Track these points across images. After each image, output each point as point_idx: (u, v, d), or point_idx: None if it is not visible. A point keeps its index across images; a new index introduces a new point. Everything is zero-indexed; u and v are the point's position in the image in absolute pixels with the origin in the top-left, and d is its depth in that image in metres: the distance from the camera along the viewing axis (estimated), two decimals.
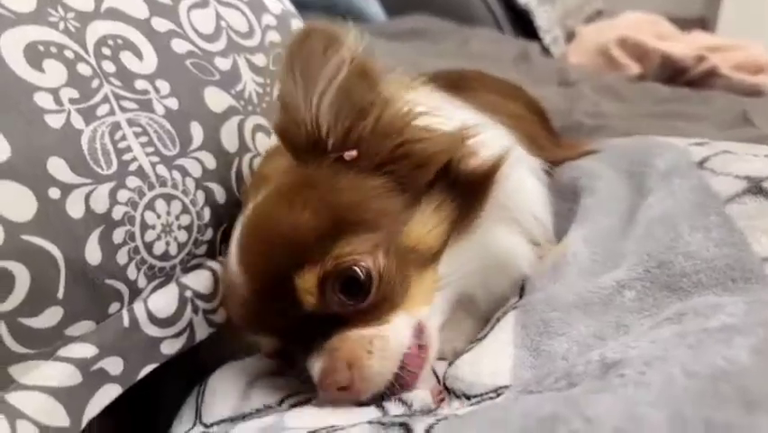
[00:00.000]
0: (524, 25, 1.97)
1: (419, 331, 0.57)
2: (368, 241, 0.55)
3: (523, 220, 0.65)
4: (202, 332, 0.65)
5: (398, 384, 0.54)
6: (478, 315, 0.67)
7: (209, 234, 0.67)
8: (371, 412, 0.54)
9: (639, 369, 0.40)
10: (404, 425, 0.43)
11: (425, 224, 0.59)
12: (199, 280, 0.65)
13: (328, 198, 0.56)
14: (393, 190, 0.58)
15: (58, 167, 0.52)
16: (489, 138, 0.64)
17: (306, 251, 0.54)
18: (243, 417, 0.58)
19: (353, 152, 0.58)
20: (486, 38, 1.70)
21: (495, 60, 1.46)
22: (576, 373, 0.47)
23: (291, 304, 0.54)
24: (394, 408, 0.54)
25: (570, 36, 2.12)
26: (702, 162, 0.69)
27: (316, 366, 0.55)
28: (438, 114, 0.63)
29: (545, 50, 1.92)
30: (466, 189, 0.60)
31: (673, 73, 1.80)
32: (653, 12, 2.22)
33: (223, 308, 0.66)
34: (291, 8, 0.87)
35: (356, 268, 0.54)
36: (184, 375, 0.70)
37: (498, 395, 0.53)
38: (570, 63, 1.87)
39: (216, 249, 0.68)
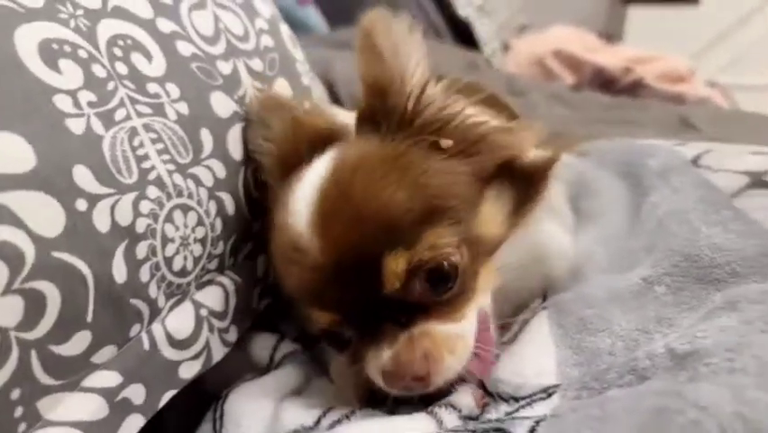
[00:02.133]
0: (463, 37, 2.01)
1: (483, 322, 0.58)
2: (455, 233, 0.54)
3: (564, 216, 0.68)
4: (218, 353, 0.61)
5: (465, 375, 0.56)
6: (497, 316, 0.67)
7: (221, 247, 0.63)
8: (425, 420, 0.52)
9: (726, 356, 0.41)
10: (500, 430, 0.42)
11: (492, 214, 0.59)
12: (212, 297, 0.62)
13: (421, 181, 0.54)
14: (470, 177, 0.58)
15: (83, 176, 0.48)
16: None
17: (399, 233, 0.52)
18: None
19: (449, 141, 0.57)
20: (433, 48, 1.72)
21: (446, 71, 1.48)
22: (642, 366, 0.47)
23: (371, 284, 0.52)
24: (446, 414, 0.53)
25: (505, 48, 2.20)
26: (696, 160, 0.73)
27: (387, 354, 0.53)
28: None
29: (487, 62, 1.98)
30: (523, 181, 0.61)
31: (604, 83, 1.89)
32: (567, 26, 2.34)
33: (275, 271, 0.62)
34: (278, 12, 0.84)
35: (446, 262, 0.53)
36: (187, 407, 0.65)
37: (549, 394, 0.53)
38: (513, 74, 1.93)
39: (225, 262, 0.65)
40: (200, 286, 0.61)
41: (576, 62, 1.93)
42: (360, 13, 0.61)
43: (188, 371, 0.58)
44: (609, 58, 1.98)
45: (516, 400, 0.54)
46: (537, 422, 0.41)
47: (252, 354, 0.70)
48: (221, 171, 0.63)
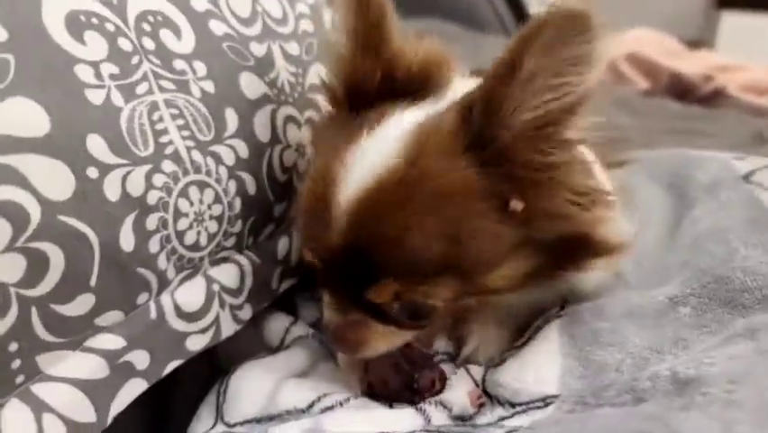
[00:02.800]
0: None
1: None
2: (455, 289, 0.52)
3: None
4: (228, 329, 0.62)
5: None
6: (512, 321, 0.65)
7: (238, 225, 0.63)
8: (411, 416, 0.52)
9: (725, 387, 0.38)
10: None
11: (510, 271, 0.53)
12: (227, 274, 0.62)
13: (463, 239, 0.50)
14: (511, 239, 0.51)
15: (97, 145, 0.49)
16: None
17: (409, 270, 0.50)
18: (271, 418, 0.56)
19: (520, 205, 0.50)
20: (498, 46, 1.68)
21: None
22: (642, 387, 0.45)
23: (360, 281, 0.52)
24: (435, 412, 0.52)
25: None
26: (748, 176, 0.68)
27: (333, 317, 0.57)
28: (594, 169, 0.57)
29: None
30: (574, 252, 0.54)
31: (682, 91, 1.79)
32: (653, 30, 2.23)
33: (300, 196, 0.60)
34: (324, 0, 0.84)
35: (428, 307, 0.53)
36: (199, 379, 0.67)
37: (547, 404, 0.51)
38: None
39: (244, 242, 0.65)
40: (215, 262, 0.62)
41: (652, 67, 1.83)
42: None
43: (196, 343, 0.59)
44: (690, 65, 1.87)
45: (513, 405, 0.53)
46: (509, 432, 0.39)
47: (265, 333, 0.71)
48: (244, 152, 0.63)
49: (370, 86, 0.56)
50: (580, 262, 0.55)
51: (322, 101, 0.63)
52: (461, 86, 0.56)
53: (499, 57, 0.47)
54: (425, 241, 0.49)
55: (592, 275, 0.59)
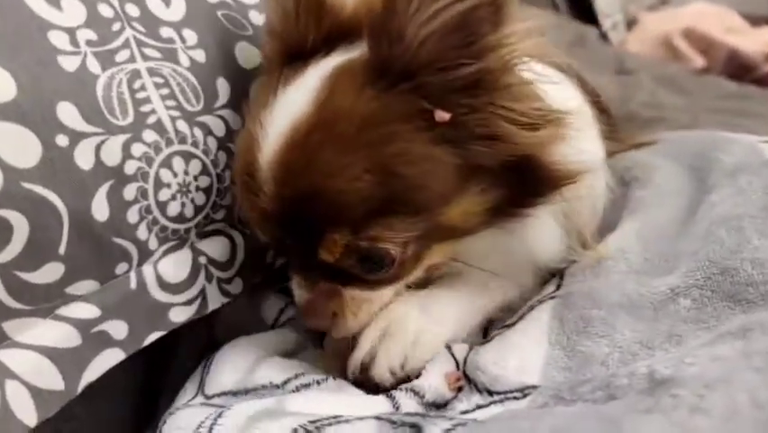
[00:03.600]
0: (583, 8, 1.86)
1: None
2: (408, 227, 0.49)
3: (575, 220, 0.60)
4: (215, 301, 0.61)
5: None
6: (498, 300, 0.62)
7: (228, 198, 0.62)
8: (380, 402, 0.50)
9: (697, 391, 0.34)
10: (415, 426, 0.38)
11: (466, 207, 0.51)
12: (215, 247, 0.62)
13: (395, 167, 0.47)
14: (456, 170, 0.49)
15: (68, 113, 0.48)
16: (581, 131, 0.56)
17: (350, 216, 0.48)
18: (246, 391, 0.56)
19: (446, 115, 0.47)
20: (542, 20, 1.62)
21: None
22: (617, 384, 0.41)
23: (308, 245, 0.50)
24: (405, 399, 0.50)
25: (630, 23, 2.01)
26: None
27: (303, 295, 0.56)
28: (542, 82, 0.52)
29: (603, 36, 1.83)
30: (528, 179, 0.51)
31: (740, 70, 1.68)
32: (718, 4, 2.10)
33: (233, 168, 0.58)
34: None
35: (382, 253, 0.50)
36: (196, 355, 0.67)
37: (525, 395, 0.48)
38: (628, 51, 1.77)
39: (235, 215, 0.64)
40: (203, 235, 0.61)
41: (709, 44, 1.72)
42: None
43: (179, 315, 0.59)
44: (751, 42, 1.75)
45: (490, 393, 0.50)
46: (455, 426, 0.37)
47: (261, 312, 0.70)
48: (236, 123, 0.62)
49: (303, 45, 0.54)
50: (538, 192, 0.52)
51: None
52: None
53: None
54: (353, 179, 0.47)
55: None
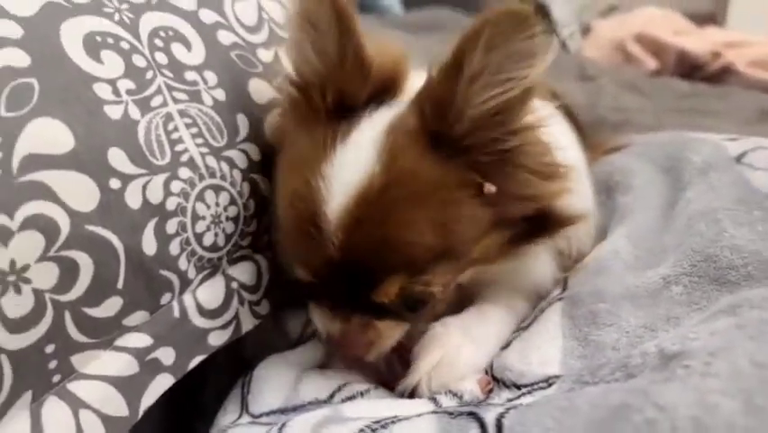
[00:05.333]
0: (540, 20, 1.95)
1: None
2: (449, 272, 0.57)
3: (567, 251, 0.69)
4: (248, 324, 0.66)
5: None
6: (522, 314, 0.68)
7: (253, 225, 0.67)
8: (425, 404, 0.55)
9: (704, 360, 0.40)
10: (473, 414, 0.44)
11: (488, 245, 0.59)
12: (244, 272, 0.66)
13: (451, 225, 0.55)
14: (489, 218, 0.57)
15: (118, 157, 0.53)
16: (579, 184, 0.65)
17: (410, 263, 0.55)
18: (295, 408, 0.59)
19: (493, 188, 0.55)
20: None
21: None
22: (633, 364, 0.47)
23: (363, 287, 0.56)
24: (446, 400, 0.55)
25: (585, 31, 2.12)
26: (740, 158, 0.70)
27: (338, 326, 0.60)
28: (554, 145, 0.60)
29: (562, 45, 1.93)
30: (537, 220, 0.60)
31: (690, 69, 1.80)
32: (663, 7, 2.22)
33: (283, 217, 0.61)
34: None
35: (429, 295, 0.57)
36: (225, 374, 0.71)
37: (550, 384, 0.54)
38: (587, 58, 1.87)
39: (259, 241, 0.69)
40: (233, 261, 0.66)
41: (659, 46, 1.84)
42: None
43: (218, 338, 0.63)
44: (698, 42, 1.87)
45: (518, 387, 0.56)
46: (507, 409, 0.43)
47: (286, 328, 0.74)
48: (256, 155, 0.67)
49: (354, 99, 0.59)
50: (547, 231, 0.61)
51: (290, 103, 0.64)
52: (418, 80, 0.59)
53: (445, 56, 0.52)
54: (419, 234, 0.54)
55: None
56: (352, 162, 0.55)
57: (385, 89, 0.60)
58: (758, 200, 0.61)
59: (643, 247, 0.66)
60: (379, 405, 0.55)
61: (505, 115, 0.53)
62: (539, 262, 0.66)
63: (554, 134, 0.60)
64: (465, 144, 0.54)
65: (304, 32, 0.58)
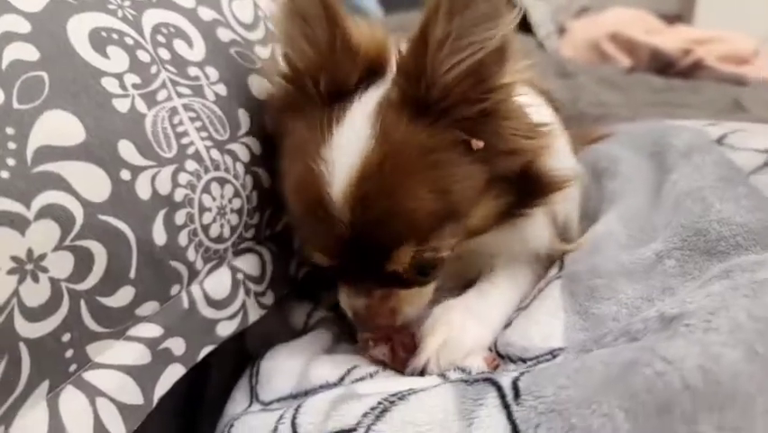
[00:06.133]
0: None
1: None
2: (456, 233, 0.60)
3: (559, 219, 0.73)
4: (254, 314, 0.67)
5: None
6: (525, 290, 0.71)
7: (257, 217, 0.68)
8: (435, 380, 0.57)
9: (704, 318, 0.43)
10: (489, 380, 0.46)
11: (486, 211, 0.62)
12: (249, 263, 0.67)
13: (448, 185, 0.58)
14: (484, 182, 0.60)
15: (127, 149, 0.54)
16: (561, 145, 0.70)
17: (418, 230, 0.57)
18: (306, 393, 0.60)
19: (480, 143, 0.58)
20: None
21: None
22: (635, 330, 0.50)
23: (376, 259, 0.59)
24: (454, 375, 0.57)
25: (560, 31, 2.17)
26: (720, 140, 0.73)
27: (362, 302, 0.64)
28: (530, 107, 0.64)
29: (540, 45, 1.97)
30: (529, 185, 0.63)
31: (662, 66, 1.85)
32: (633, 8, 2.28)
33: (291, 203, 0.63)
34: None
35: (438, 259, 0.61)
36: (229, 365, 0.72)
37: (554, 357, 0.56)
38: (564, 56, 1.92)
39: (262, 233, 0.70)
40: (238, 253, 0.67)
41: (632, 45, 1.89)
42: None
43: (225, 329, 0.64)
44: (669, 39, 1.93)
45: (524, 361, 0.58)
46: (522, 373, 0.45)
47: (289, 318, 0.76)
48: (257, 148, 0.68)
49: (346, 84, 0.61)
50: (539, 196, 0.64)
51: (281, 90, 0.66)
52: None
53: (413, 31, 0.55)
54: (421, 200, 0.56)
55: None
56: (349, 143, 0.57)
57: (372, 70, 0.62)
58: (740, 177, 0.64)
59: (634, 228, 0.69)
60: (391, 382, 0.57)
61: (478, 76, 0.56)
62: (536, 226, 0.69)
63: (534, 104, 0.65)
64: (444, 106, 0.57)
65: (295, 25, 0.61)
